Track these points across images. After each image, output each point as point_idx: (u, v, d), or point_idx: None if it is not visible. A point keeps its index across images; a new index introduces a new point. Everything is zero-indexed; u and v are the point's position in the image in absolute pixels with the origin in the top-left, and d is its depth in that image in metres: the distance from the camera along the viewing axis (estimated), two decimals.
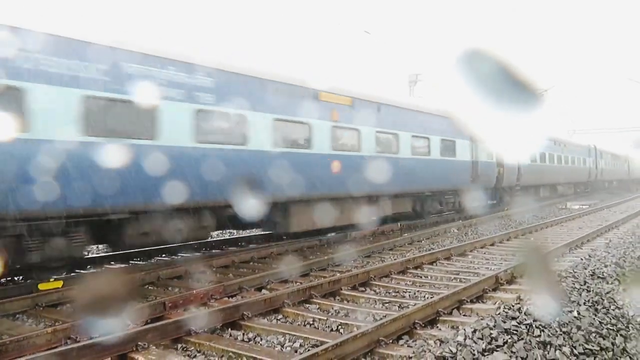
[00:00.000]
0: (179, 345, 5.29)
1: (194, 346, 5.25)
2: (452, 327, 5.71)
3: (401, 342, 5.33)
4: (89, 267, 9.04)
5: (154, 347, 5.06)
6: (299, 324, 6.03)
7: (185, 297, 6.77)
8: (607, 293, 6.36)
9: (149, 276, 8.21)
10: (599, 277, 7.27)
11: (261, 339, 5.48)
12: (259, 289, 7.68)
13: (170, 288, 7.92)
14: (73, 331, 5.31)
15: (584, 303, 5.88)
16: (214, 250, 11.21)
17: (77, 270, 8.67)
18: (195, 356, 5.07)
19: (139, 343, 4.96)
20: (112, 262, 9.55)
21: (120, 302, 5.60)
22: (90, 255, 9.43)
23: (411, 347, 5.13)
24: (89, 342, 4.85)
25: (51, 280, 7.48)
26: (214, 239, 12.33)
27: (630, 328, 5.28)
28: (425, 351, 4.62)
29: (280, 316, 6.36)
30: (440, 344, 4.69)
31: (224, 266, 9.42)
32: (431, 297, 6.65)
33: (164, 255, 10.40)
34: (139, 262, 9.74)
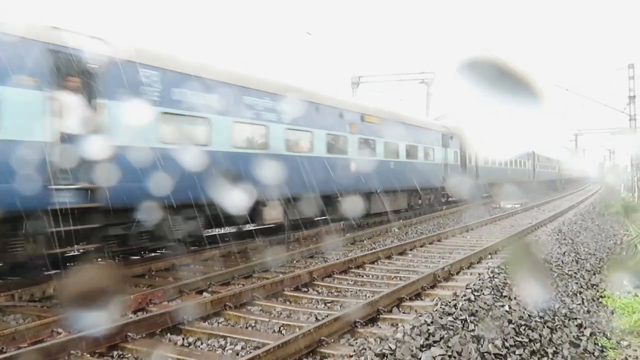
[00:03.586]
0: (115, 353, 5.11)
1: (131, 353, 5.08)
2: (392, 325, 5.85)
3: (342, 340, 5.39)
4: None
5: (88, 355, 4.86)
6: (240, 327, 5.98)
7: (122, 302, 6.54)
8: None
9: None
10: None
11: (202, 343, 5.39)
12: (200, 292, 7.54)
13: None
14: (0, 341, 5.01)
15: (515, 298, 6.19)
16: (152, 254, 10.88)
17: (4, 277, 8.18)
18: None
19: (72, 352, 4.75)
20: (44, 268, 9.06)
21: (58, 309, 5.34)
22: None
23: (352, 345, 5.20)
24: (17, 352, 4.61)
25: None
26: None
27: (556, 320, 5.61)
28: (365, 349, 4.72)
29: (221, 319, 6.27)
30: (380, 342, 4.80)
31: (165, 269, 9.17)
32: (372, 296, 6.77)
33: (99, 260, 9.98)
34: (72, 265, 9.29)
